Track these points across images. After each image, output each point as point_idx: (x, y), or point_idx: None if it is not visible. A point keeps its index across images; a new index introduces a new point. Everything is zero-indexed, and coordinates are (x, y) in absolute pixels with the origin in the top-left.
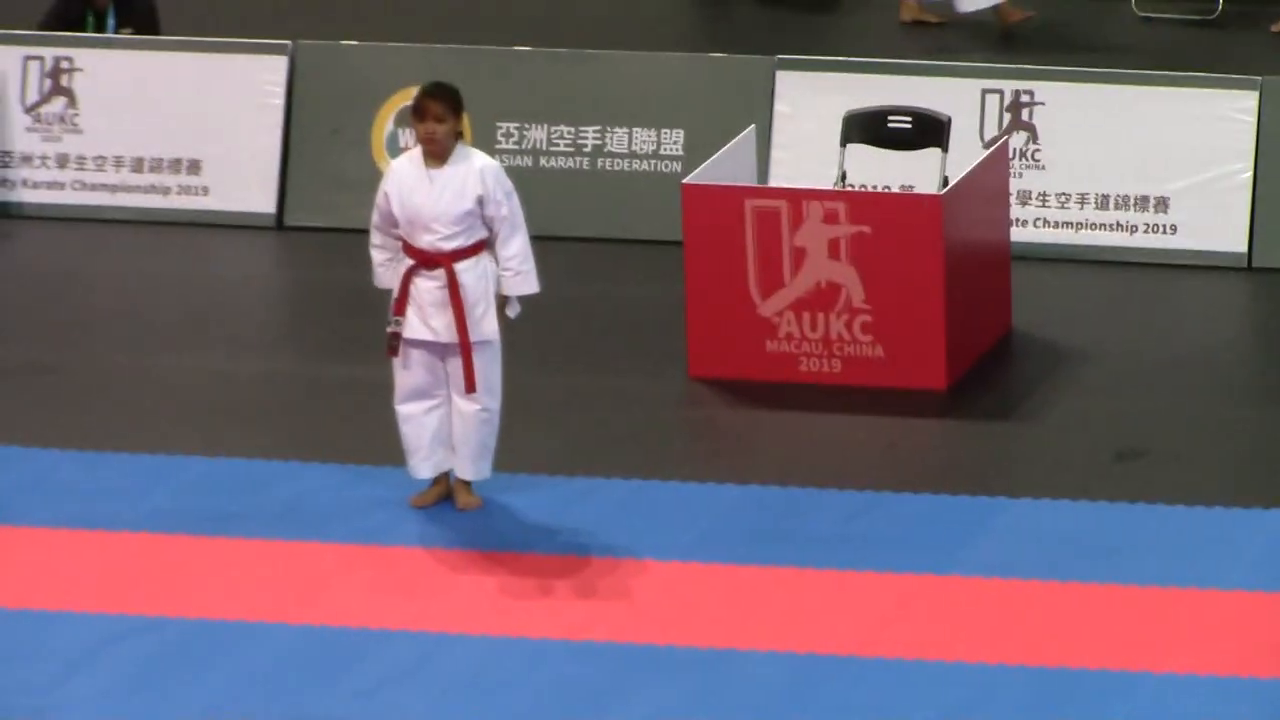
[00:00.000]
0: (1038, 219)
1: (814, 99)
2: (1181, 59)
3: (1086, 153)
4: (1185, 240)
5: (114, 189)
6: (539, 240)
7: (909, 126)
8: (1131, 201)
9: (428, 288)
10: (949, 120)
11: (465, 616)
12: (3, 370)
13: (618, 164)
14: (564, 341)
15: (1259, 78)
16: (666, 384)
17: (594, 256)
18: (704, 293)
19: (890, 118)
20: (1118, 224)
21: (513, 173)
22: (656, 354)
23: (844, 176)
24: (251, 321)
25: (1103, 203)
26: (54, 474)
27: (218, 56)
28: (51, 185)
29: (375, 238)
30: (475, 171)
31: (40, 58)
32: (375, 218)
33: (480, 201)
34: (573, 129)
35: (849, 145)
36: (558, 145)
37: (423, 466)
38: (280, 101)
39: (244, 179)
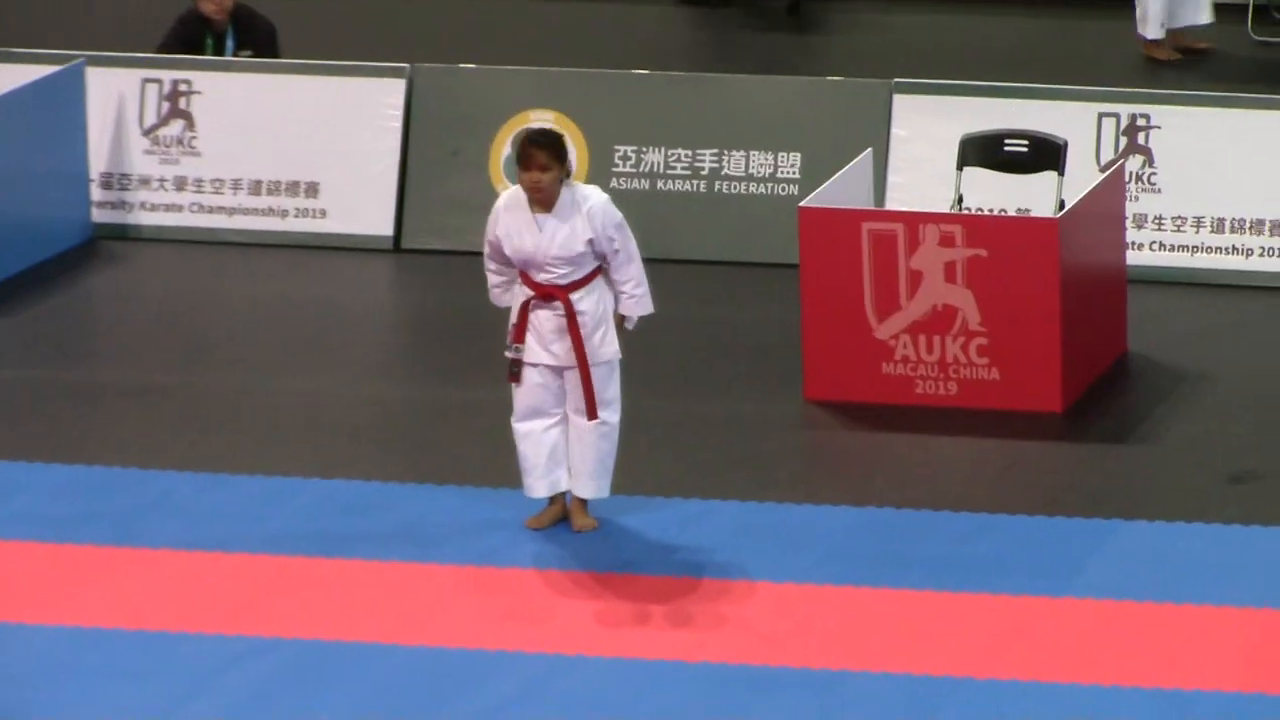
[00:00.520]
0: (1153, 242)
1: (930, 122)
2: None
3: (1202, 176)
4: None
5: (231, 211)
6: (656, 263)
7: (1025, 150)
8: (1247, 225)
9: (546, 316)
10: (1065, 144)
11: (581, 638)
12: (122, 392)
13: (734, 187)
14: (680, 364)
15: None
16: (783, 406)
17: (710, 279)
18: (820, 315)
19: (1007, 141)
20: (1234, 247)
21: (630, 195)
22: (773, 376)
23: (960, 199)
24: (369, 344)
25: (1218, 226)
26: (174, 496)
27: (336, 79)
28: (169, 208)
29: (489, 264)
30: (583, 215)
31: (159, 80)
32: (487, 249)
33: (591, 242)
34: (690, 152)
35: (965, 168)
36: (674, 168)
37: (539, 485)
38: (398, 124)
39: (362, 202)
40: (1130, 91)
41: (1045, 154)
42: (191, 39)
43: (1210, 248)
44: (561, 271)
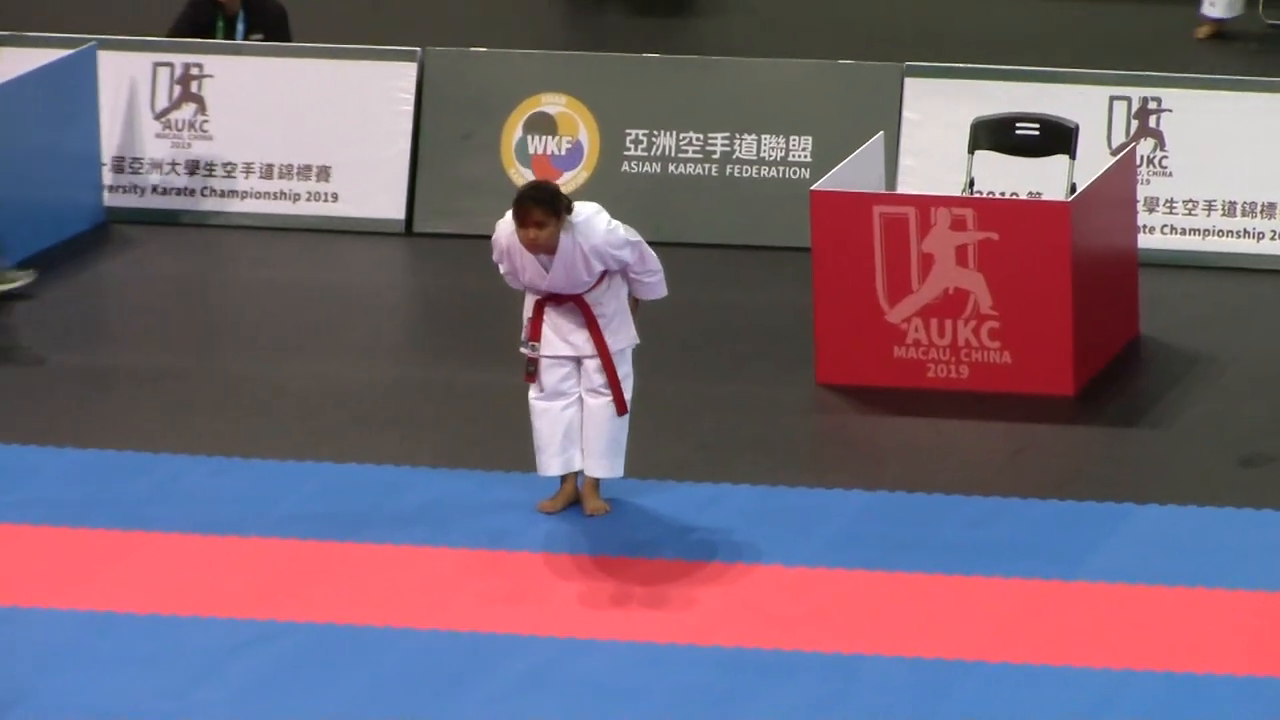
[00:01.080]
0: (1165, 226)
1: (942, 106)
2: None
3: (1214, 159)
4: None
5: (243, 195)
6: (667, 247)
7: (1037, 133)
8: (1259, 208)
9: (562, 312)
10: (1077, 127)
11: (593, 622)
12: (133, 376)
13: (746, 170)
14: (692, 348)
15: None
16: (794, 390)
17: (722, 263)
18: (832, 299)
19: (1018, 124)
20: (1245, 230)
21: (641, 179)
22: (784, 360)
23: (972, 183)
24: (380, 327)
25: (1230, 209)
26: (185, 480)
27: (348, 63)
28: (181, 191)
29: (499, 266)
30: (588, 251)
31: (170, 64)
32: (495, 253)
33: (602, 270)
34: (701, 136)
35: (977, 152)
36: (686, 152)
37: (553, 463)
38: (410, 108)
39: (373, 185)
40: (1142, 75)
41: (1057, 137)
42: (203, 22)
43: (1222, 231)
44: (574, 292)
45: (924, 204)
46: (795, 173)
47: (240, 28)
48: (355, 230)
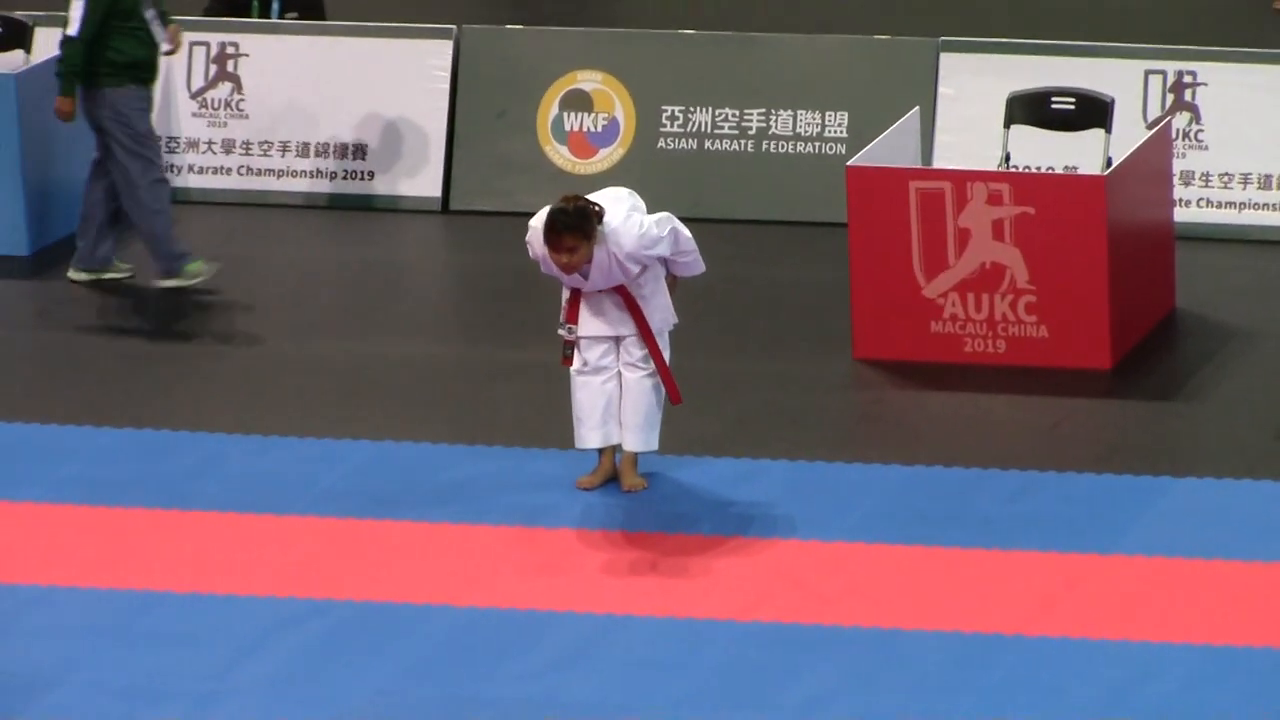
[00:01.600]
0: (1201, 199)
1: (978, 80)
2: None
3: (1249, 132)
4: None
5: (279, 174)
6: (703, 223)
7: (1072, 107)
8: None
9: (601, 297)
10: (1112, 101)
11: (631, 598)
12: (171, 355)
13: (782, 146)
14: (729, 323)
15: None
16: (831, 365)
17: (758, 239)
18: (869, 274)
19: (1054, 99)
20: None
21: (677, 155)
22: (821, 336)
23: (1008, 158)
24: (417, 306)
25: (1265, 182)
26: (224, 459)
27: (383, 41)
28: (217, 170)
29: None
30: (623, 257)
31: (205, 43)
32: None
33: (640, 268)
34: (737, 112)
35: (1012, 126)
36: (722, 128)
37: (592, 436)
38: (445, 85)
39: (409, 163)
40: (1177, 49)
41: (1092, 111)
42: (237, 1)
43: (1258, 204)
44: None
45: (960, 179)
46: (831, 148)
47: (275, 6)
48: (392, 209)
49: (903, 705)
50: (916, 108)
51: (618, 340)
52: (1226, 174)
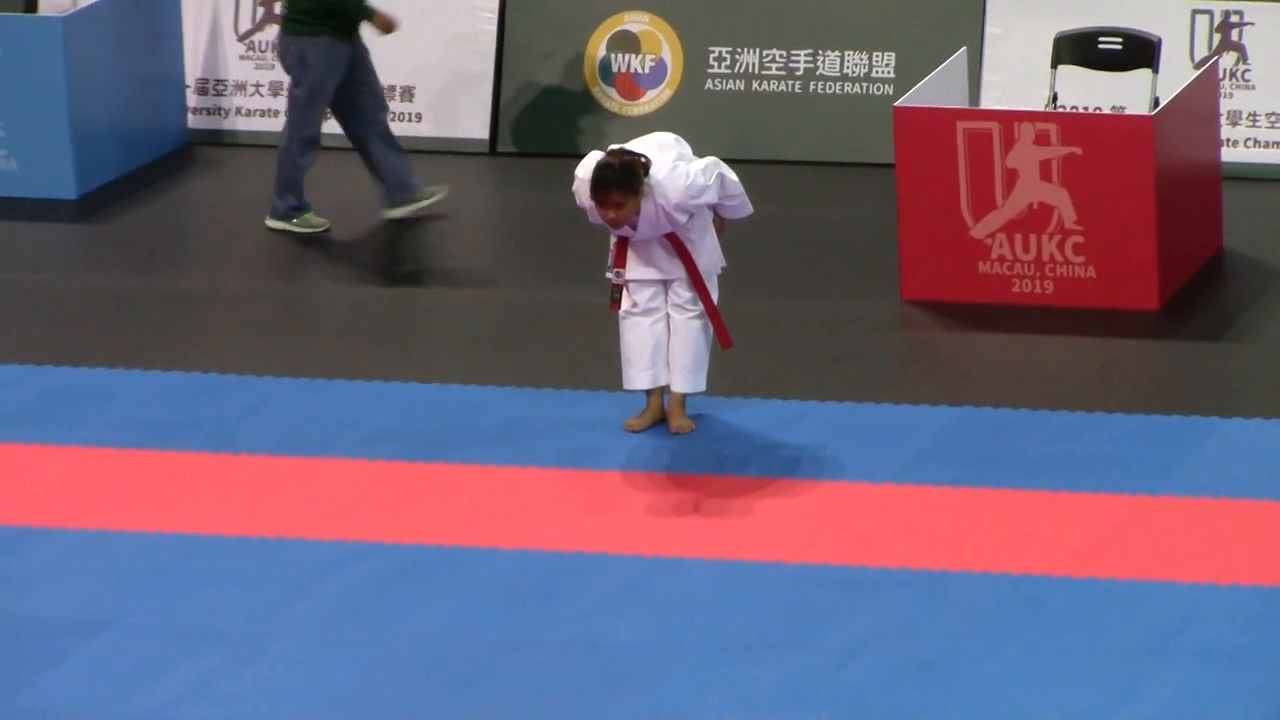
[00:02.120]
0: (1248, 139)
1: (1025, 21)
2: None
3: None
4: None
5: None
6: (751, 164)
7: (1120, 48)
8: None
9: (649, 242)
10: (1160, 41)
11: (680, 540)
12: (218, 298)
13: (829, 87)
14: (777, 265)
15: None
16: (879, 306)
17: (806, 180)
18: (916, 215)
19: (1101, 39)
20: None
21: (725, 96)
22: (869, 276)
23: (1055, 98)
24: (465, 247)
25: None
26: (271, 401)
27: None
28: (265, 113)
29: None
30: (670, 209)
31: None
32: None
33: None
34: (784, 53)
35: (1059, 66)
36: (770, 69)
37: (641, 377)
38: (493, 27)
39: (457, 105)
40: None
41: (1139, 51)
42: None
43: None
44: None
45: (1007, 119)
46: (878, 89)
47: None
48: (439, 150)
49: (950, 647)
50: (964, 48)
51: (666, 283)
52: (1274, 114)
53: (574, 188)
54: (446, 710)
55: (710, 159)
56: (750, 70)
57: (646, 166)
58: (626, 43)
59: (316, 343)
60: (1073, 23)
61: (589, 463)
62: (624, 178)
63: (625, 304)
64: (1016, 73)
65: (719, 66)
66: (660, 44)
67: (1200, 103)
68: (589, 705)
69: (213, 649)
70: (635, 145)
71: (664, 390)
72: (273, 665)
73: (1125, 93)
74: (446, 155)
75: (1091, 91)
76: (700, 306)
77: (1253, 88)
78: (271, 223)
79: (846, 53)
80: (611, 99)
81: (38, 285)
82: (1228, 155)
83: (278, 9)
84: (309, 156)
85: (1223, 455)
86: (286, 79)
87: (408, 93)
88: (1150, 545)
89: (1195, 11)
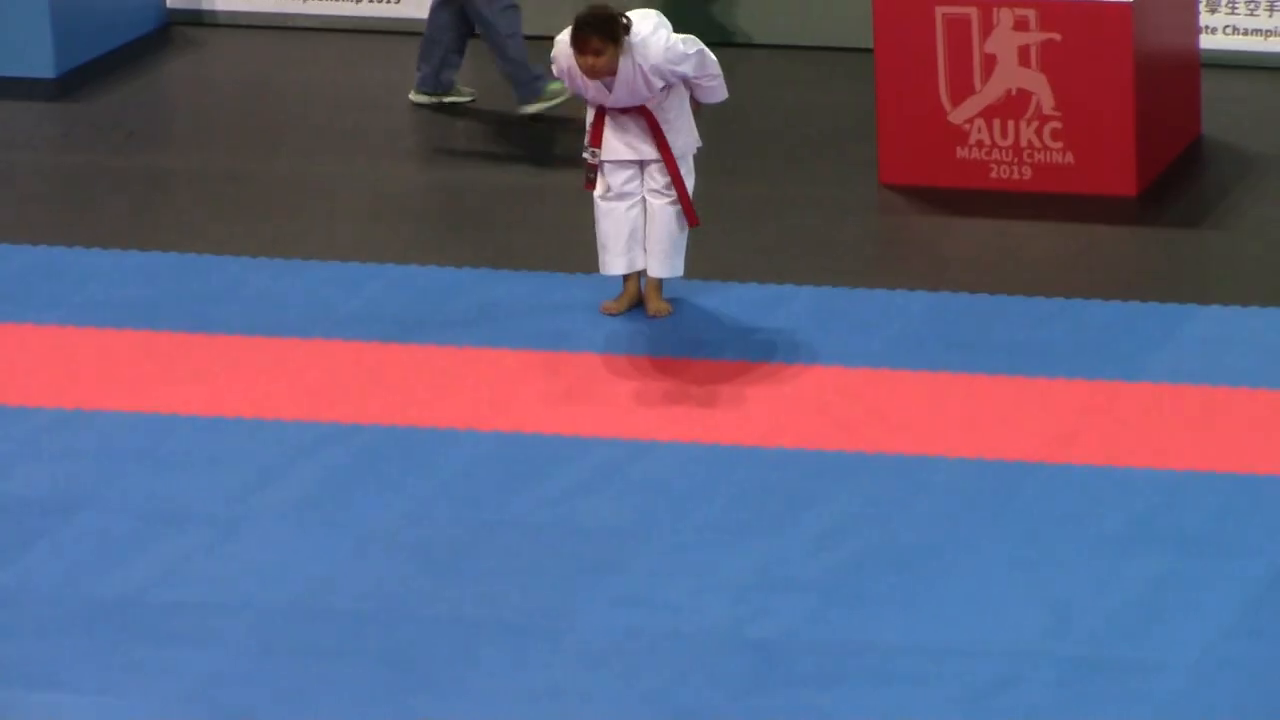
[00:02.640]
0: (1226, 26)
1: None
2: None
3: None
4: None
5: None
6: (727, 48)
7: None
8: None
9: (624, 119)
10: None
11: (655, 423)
12: (194, 178)
13: None
14: (754, 149)
15: None
16: (857, 191)
17: (782, 64)
18: (894, 100)
19: None
20: None
21: None
22: (847, 161)
23: None
24: (442, 130)
25: None
26: (246, 282)
27: None
28: None
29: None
30: (648, 71)
31: None
32: (555, 67)
33: (664, 85)
34: None
35: None
36: None
37: (616, 262)
38: None
39: None
40: None
41: None
42: None
43: None
44: (638, 106)
45: (986, 5)
46: None
47: None
48: (415, 31)
49: (926, 533)
50: None
51: (642, 166)
52: (1253, 0)
53: (553, 54)
54: (422, 593)
55: (691, 36)
56: None
57: (628, 26)
58: None
59: (289, 224)
60: None
61: (565, 345)
62: (605, 25)
63: (600, 188)
64: None
65: None
66: None
67: None
68: (564, 587)
69: (187, 530)
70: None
71: (641, 273)
72: (249, 546)
73: None
74: (421, 37)
75: None
76: (676, 192)
77: None
78: (530, 108)
79: None
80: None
81: (15, 164)
82: (1206, 42)
83: None
84: (517, 22)
85: (1200, 342)
86: None
87: None
88: (1127, 432)
89: None
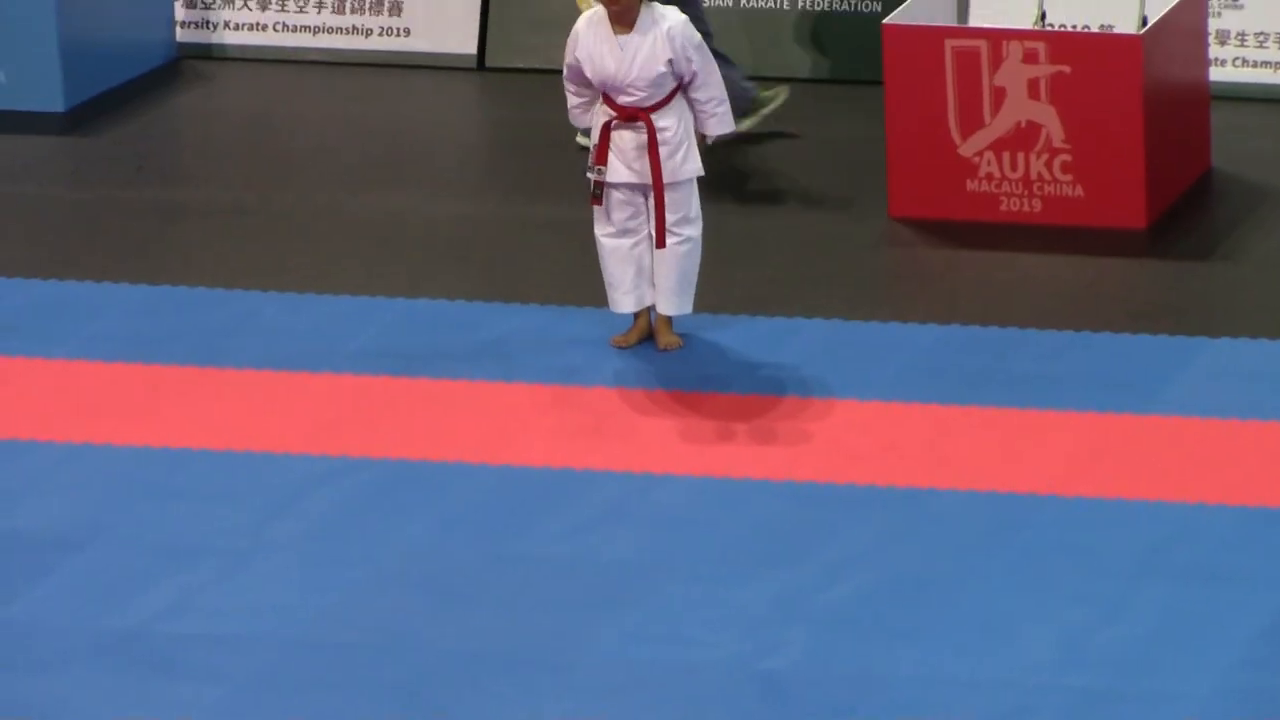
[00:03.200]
0: (1236, 59)
1: None
2: None
3: None
4: None
5: (315, 30)
6: None
7: None
8: None
9: (629, 136)
10: None
11: (667, 457)
12: (205, 212)
13: (819, 4)
14: (764, 181)
15: None
16: (867, 224)
17: (794, 97)
18: (904, 133)
19: None
20: None
21: (715, 13)
22: (857, 194)
23: (1043, 16)
24: (452, 162)
25: None
26: (257, 316)
27: None
28: (253, 27)
29: (569, 86)
30: (663, 35)
31: None
32: (567, 72)
33: (671, 63)
34: None
35: None
36: None
37: (625, 300)
38: None
39: (445, 20)
40: None
41: None
42: None
43: None
44: (643, 94)
45: (996, 37)
46: (867, 6)
47: None
48: (427, 65)
49: (937, 565)
50: None
51: (645, 198)
52: (1262, 33)
53: (571, 34)
54: (432, 626)
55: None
56: None
57: None
58: None
59: (302, 257)
60: None
61: (576, 379)
62: None
63: (601, 224)
64: None
65: None
66: None
67: (1188, 21)
68: (575, 620)
69: (198, 564)
70: None
71: (651, 307)
72: (258, 581)
73: (1113, 11)
74: (434, 70)
75: (1080, 10)
76: (685, 231)
77: (1241, 7)
78: (743, 124)
79: None
80: None
81: (25, 197)
82: (1216, 75)
83: None
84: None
85: (1210, 375)
86: None
87: (395, 7)
88: (1137, 464)
89: None
